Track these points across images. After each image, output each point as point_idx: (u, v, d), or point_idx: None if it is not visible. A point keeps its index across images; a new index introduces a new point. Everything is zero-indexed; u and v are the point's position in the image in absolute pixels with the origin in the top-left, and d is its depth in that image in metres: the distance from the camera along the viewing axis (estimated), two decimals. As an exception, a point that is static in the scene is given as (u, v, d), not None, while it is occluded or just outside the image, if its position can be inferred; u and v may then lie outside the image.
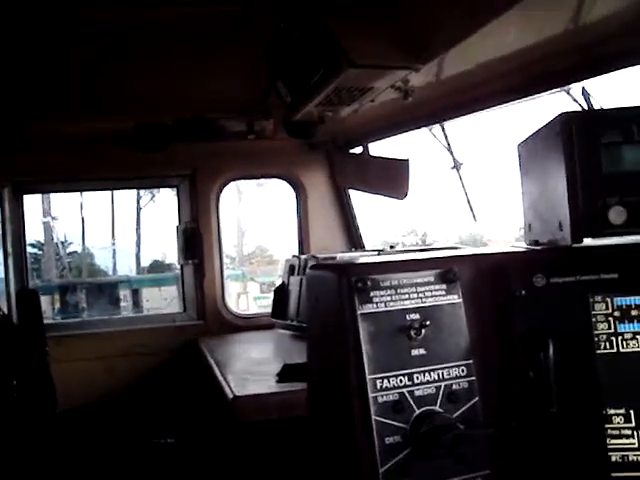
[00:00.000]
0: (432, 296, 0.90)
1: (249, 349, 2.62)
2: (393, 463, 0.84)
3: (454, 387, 0.89)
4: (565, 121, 0.94)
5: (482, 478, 0.88)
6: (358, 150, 2.88)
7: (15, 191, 2.87)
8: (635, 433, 0.90)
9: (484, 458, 0.88)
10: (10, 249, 2.85)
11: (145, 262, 6.54)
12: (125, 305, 6.23)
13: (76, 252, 6.20)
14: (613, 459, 0.89)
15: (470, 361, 0.90)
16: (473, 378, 0.90)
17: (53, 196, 3.00)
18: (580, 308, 0.91)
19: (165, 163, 2.91)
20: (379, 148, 2.81)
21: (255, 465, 2.59)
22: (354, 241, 3.09)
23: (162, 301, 5.98)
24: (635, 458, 0.89)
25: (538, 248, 1.02)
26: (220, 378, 2.01)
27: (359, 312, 0.87)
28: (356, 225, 3.10)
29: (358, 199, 3.12)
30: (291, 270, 2.78)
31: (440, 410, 0.88)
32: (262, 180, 3.43)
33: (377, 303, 0.88)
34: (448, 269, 0.91)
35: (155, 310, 6.40)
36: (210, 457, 2.75)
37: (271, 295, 2.89)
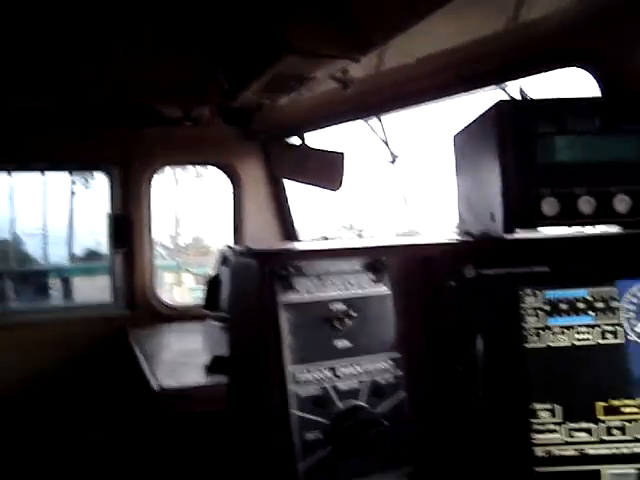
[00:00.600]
0: (359, 286, 0.87)
1: (179, 340, 2.56)
2: (313, 460, 0.81)
3: (380, 381, 0.86)
4: (500, 110, 0.92)
5: (406, 475, 0.86)
6: (295, 140, 2.84)
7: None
8: (560, 428, 0.89)
9: (409, 454, 0.86)
10: None
11: (78, 250, 6.34)
12: (55, 294, 6.05)
13: (3, 239, 5.97)
14: (538, 454, 0.88)
15: (397, 354, 0.88)
16: (400, 372, 0.87)
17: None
18: (510, 301, 0.90)
19: (97, 147, 2.81)
20: (317, 139, 2.78)
21: (181, 458, 2.54)
22: (289, 233, 3.05)
23: (94, 291, 5.83)
24: (559, 453, 0.89)
25: (469, 239, 1.00)
26: (147, 370, 1.95)
27: (280, 300, 0.83)
28: (291, 217, 3.06)
29: (296, 192, 3.08)
30: (224, 261, 2.72)
31: (364, 405, 0.85)
32: (201, 170, 3.35)
33: (300, 292, 0.84)
34: (376, 258, 0.88)
35: (87, 300, 6.24)
36: (135, 450, 2.68)
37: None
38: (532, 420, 0.88)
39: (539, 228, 0.95)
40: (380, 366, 0.86)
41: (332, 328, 0.84)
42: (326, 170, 2.56)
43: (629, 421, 0.90)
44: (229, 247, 2.79)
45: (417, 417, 0.86)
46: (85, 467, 2.26)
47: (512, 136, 0.91)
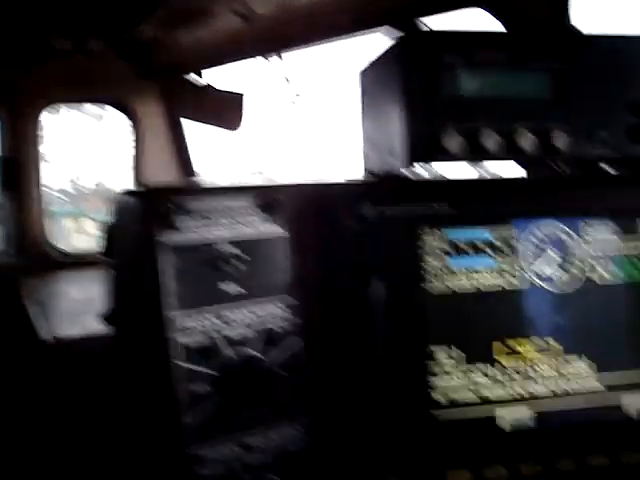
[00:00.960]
0: (250, 226, 0.81)
1: (74, 289, 2.45)
2: (201, 414, 0.76)
3: (273, 328, 0.81)
4: (405, 41, 0.87)
5: (302, 427, 0.82)
6: (194, 77, 2.72)
7: None
8: (456, 371, 0.87)
9: (305, 405, 0.82)
10: None
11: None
12: None
13: None
14: (434, 397, 0.86)
15: (292, 299, 0.82)
16: (295, 318, 0.82)
17: None
18: (409, 241, 0.86)
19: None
20: (216, 77, 2.69)
21: (73, 412, 2.45)
22: (188, 173, 2.94)
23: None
24: (456, 396, 0.87)
25: (370, 178, 0.95)
26: (39, 320, 1.84)
27: (160, 241, 0.75)
28: (190, 160, 2.95)
29: (201, 136, 2.97)
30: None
31: (257, 354, 0.80)
32: (101, 112, 3.15)
33: (183, 232, 0.77)
34: (271, 197, 0.82)
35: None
36: (25, 408, 2.57)
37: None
38: (430, 363, 0.86)
39: (442, 165, 0.91)
40: (274, 312, 0.81)
41: (220, 272, 0.78)
42: (225, 110, 2.50)
43: (524, 360, 0.90)
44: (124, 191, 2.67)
45: (313, 366, 0.82)
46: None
47: (415, 69, 0.86)
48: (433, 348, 0.86)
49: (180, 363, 0.75)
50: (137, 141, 2.89)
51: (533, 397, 0.90)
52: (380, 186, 0.91)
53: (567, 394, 0.91)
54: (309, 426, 0.82)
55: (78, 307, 2.05)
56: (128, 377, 0.89)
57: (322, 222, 0.84)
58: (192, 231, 0.77)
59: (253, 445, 0.79)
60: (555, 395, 0.90)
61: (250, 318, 0.79)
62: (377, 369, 0.84)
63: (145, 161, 2.88)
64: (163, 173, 2.87)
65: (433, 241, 0.87)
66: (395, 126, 0.88)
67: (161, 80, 2.84)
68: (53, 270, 2.69)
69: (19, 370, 2.45)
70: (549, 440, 0.88)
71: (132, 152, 2.90)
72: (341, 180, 0.95)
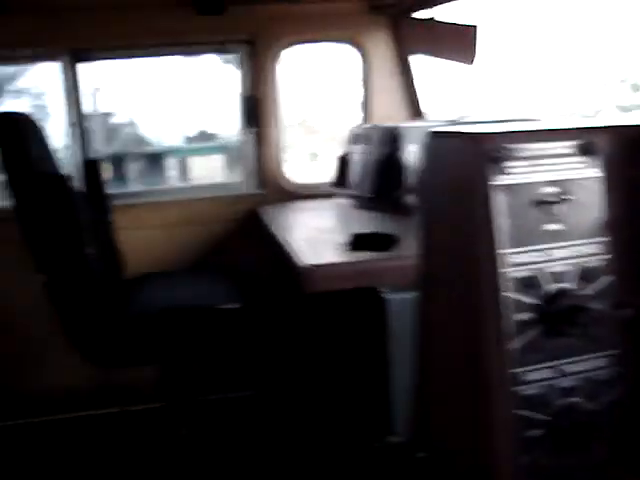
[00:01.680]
0: (571, 169, 0.86)
1: (311, 217, 2.62)
2: (524, 340, 0.84)
3: (589, 265, 0.87)
4: None
5: (612, 357, 0.88)
6: (424, 14, 2.73)
7: (71, 59, 2.81)
8: None
9: (615, 339, 0.87)
10: (73, 119, 2.83)
11: (191, 133, 6.47)
12: (173, 175, 6.25)
13: (121, 122, 6.17)
14: None
15: (607, 238, 0.87)
16: (609, 256, 0.87)
17: (97, 64, 2.91)
18: None
19: (223, 28, 2.81)
20: (447, 13, 2.67)
21: (322, 335, 2.66)
22: (416, 112, 2.99)
23: (208, 171, 5.98)
24: None
25: None
26: (286, 247, 1.97)
27: (492, 183, 0.83)
28: (417, 96, 2.99)
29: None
30: (354, 139, 2.72)
31: (574, 288, 0.86)
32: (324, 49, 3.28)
33: (511, 175, 0.84)
34: (589, 141, 0.86)
35: (201, 180, 6.41)
36: (276, 325, 2.83)
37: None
38: None
39: None
40: (590, 250, 0.87)
41: (544, 212, 0.84)
42: (458, 44, 2.47)
43: None
44: (361, 125, 2.78)
45: (626, 303, 0.87)
46: (227, 338, 2.40)
47: None
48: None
49: (508, 294, 0.83)
50: (365, 76, 2.99)
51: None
52: None
53: None
54: (617, 357, 0.88)
55: (319, 235, 2.18)
56: (434, 307, 0.99)
57: (633, 166, 0.87)
58: (520, 174, 0.84)
59: (567, 371, 0.87)
60: None
61: (569, 255, 0.86)
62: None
63: (373, 96, 2.98)
64: (390, 109, 2.96)
65: None
66: None
67: (391, 16, 2.90)
68: (289, 200, 2.92)
69: (270, 294, 2.71)
70: None
71: (360, 87, 3.02)
72: None
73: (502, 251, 0.83)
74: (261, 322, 2.66)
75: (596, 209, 0.88)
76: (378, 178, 2.45)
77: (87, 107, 2.92)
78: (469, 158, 0.85)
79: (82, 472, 2.40)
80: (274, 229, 2.34)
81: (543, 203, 0.84)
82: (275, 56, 2.90)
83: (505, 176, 0.83)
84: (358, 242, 1.87)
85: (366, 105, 3.01)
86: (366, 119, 2.99)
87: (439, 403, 0.98)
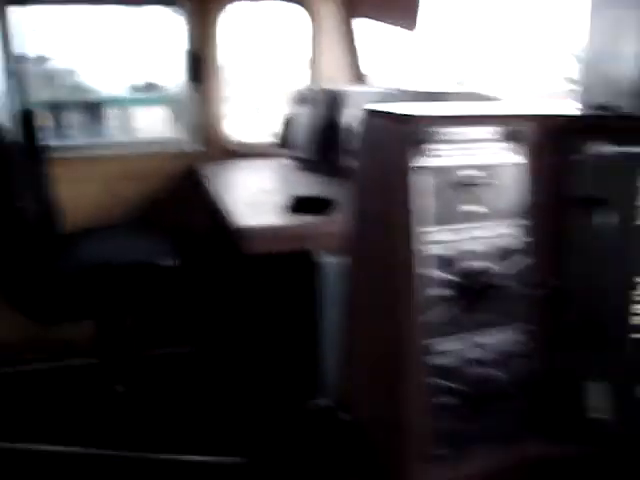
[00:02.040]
0: (495, 154, 0.89)
1: (252, 177, 2.61)
2: (440, 313, 0.88)
3: (507, 246, 0.91)
4: None
5: (526, 332, 0.93)
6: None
7: (2, 1, 2.69)
8: None
9: (529, 315, 0.92)
10: (7, 66, 2.73)
11: (133, 83, 6.30)
12: (115, 125, 6.11)
13: (61, 69, 5.95)
14: (634, 322, 0.94)
15: (527, 222, 0.91)
16: (529, 239, 0.92)
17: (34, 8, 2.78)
18: (630, 179, 0.91)
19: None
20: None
21: (258, 296, 2.67)
22: (358, 75, 3.00)
23: (150, 123, 5.86)
24: None
25: (602, 114, 0.98)
26: (224, 207, 1.97)
27: (414, 165, 0.86)
28: (358, 59, 2.99)
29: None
30: (301, 100, 2.70)
31: (492, 266, 0.90)
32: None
33: (435, 157, 0.87)
34: (515, 128, 0.89)
35: (143, 132, 6.28)
36: (213, 284, 2.83)
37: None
38: (632, 292, 0.93)
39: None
40: (508, 232, 0.91)
41: (465, 193, 0.88)
42: (402, 9, 2.48)
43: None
44: (307, 88, 2.77)
45: (540, 283, 0.92)
46: (164, 294, 2.39)
47: None
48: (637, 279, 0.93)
49: (423, 270, 0.87)
50: (313, 39, 2.97)
51: None
52: (612, 124, 0.94)
53: None
54: (531, 332, 0.94)
55: (259, 196, 2.17)
56: (358, 272, 1.02)
57: (557, 153, 0.91)
58: (444, 157, 0.87)
59: (481, 343, 0.92)
60: None
61: (488, 235, 0.90)
62: (580, 292, 0.93)
63: (321, 59, 2.96)
64: (333, 72, 2.95)
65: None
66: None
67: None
68: (231, 158, 2.90)
69: (207, 254, 2.70)
70: None
71: (308, 50, 2.99)
72: (578, 113, 0.98)
73: (422, 229, 0.86)
74: (197, 280, 2.66)
75: (517, 193, 0.91)
76: (320, 141, 2.47)
77: (24, 53, 2.81)
78: (394, 138, 0.87)
79: (15, 428, 2.39)
80: (213, 188, 2.32)
81: (465, 185, 0.88)
82: (219, 12, 2.85)
83: (428, 158, 0.86)
84: (298, 205, 1.88)
85: (313, 65, 3.00)
86: (312, 80, 2.98)
87: (361, 368, 1.02)
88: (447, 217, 0.88)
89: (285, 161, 2.73)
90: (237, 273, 2.73)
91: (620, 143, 0.90)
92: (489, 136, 0.90)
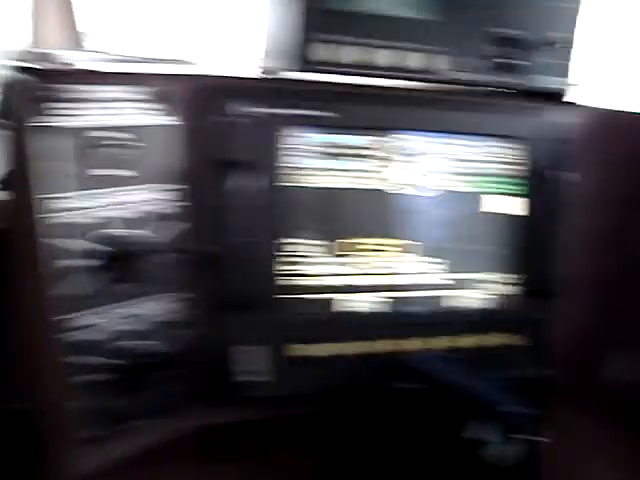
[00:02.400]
0: (141, 114, 0.86)
1: None
2: (73, 287, 0.83)
3: (158, 211, 0.89)
4: None
5: (180, 301, 0.91)
6: None
7: None
8: (305, 262, 0.97)
9: (182, 283, 0.92)
10: None
11: None
12: None
13: None
14: (279, 283, 0.96)
15: (179, 186, 0.91)
16: (180, 204, 0.90)
17: None
18: (268, 140, 0.92)
19: None
20: None
21: None
22: (75, 38, 2.79)
23: None
24: (297, 283, 0.98)
25: (255, 76, 0.98)
26: None
27: (30, 124, 0.78)
28: (74, 20, 2.79)
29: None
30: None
31: (138, 232, 0.87)
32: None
33: (68, 116, 0.80)
34: (164, 88, 0.86)
35: None
36: None
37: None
38: (277, 253, 0.96)
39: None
40: (158, 197, 0.88)
41: (105, 156, 0.82)
42: None
43: (362, 257, 1.01)
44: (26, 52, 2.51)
45: (194, 247, 0.91)
46: None
47: None
48: (283, 240, 0.96)
49: (53, 240, 0.80)
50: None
51: (386, 289, 1.02)
52: (257, 84, 0.95)
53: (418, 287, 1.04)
54: (184, 299, 0.92)
55: None
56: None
57: (201, 116, 0.89)
58: (77, 117, 0.80)
59: (134, 314, 0.89)
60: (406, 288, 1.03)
61: (136, 201, 0.86)
62: (230, 256, 0.93)
63: (38, 21, 2.70)
64: (56, 34, 2.72)
65: (294, 142, 0.94)
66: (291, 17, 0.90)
67: None
68: None
69: None
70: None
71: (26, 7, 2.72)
72: (218, 74, 0.97)
73: (49, 195, 0.80)
74: None
75: (169, 157, 0.89)
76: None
77: None
78: (15, 96, 0.79)
79: None
80: None
81: (105, 147, 0.82)
82: None
83: (56, 117, 0.79)
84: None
85: (33, 25, 2.73)
86: (32, 43, 2.72)
87: (22, 359, 0.93)
88: (86, 182, 0.82)
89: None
90: None
91: (261, 104, 0.91)
92: (135, 96, 0.85)
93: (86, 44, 2.77)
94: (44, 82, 0.78)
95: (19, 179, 0.79)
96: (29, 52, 2.30)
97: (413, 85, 0.99)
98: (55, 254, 0.80)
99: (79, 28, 2.77)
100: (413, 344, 1.03)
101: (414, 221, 1.02)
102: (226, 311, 0.93)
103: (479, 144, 1.04)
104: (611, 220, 1.12)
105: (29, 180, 0.78)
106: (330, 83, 0.95)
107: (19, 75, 0.79)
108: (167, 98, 0.87)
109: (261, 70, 1.00)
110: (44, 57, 0.85)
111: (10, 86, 0.80)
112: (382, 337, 1.02)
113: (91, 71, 0.85)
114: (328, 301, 1.00)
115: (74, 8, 2.75)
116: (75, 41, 2.77)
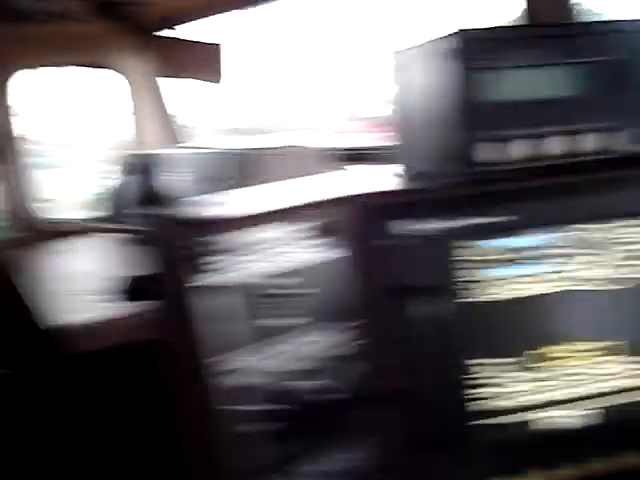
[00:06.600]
0: (302, 253, 0.78)
1: (76, 261, 2.35)
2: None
3: (336, 354, 0.80)
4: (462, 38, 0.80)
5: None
6: (170, 33, 2.61)
7: None
8: (494, 381, 0.86)
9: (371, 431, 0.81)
10: None
11: None
12: None
13: None
14: (470, 408, 0.85)
15: (354, 323, 0.81)
16: (358, 341, 0.82)
17: None
18: (442, 255, 0.84)
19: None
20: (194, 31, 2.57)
21: (96, 398, 2.41)
22: (172, 137, 2.84)
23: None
24: (491, 405, 0.86)
25: (415, 187, 0.90)
26: (39, 302, 1.72)
27: (191, 285, 0.72)
28: (170, 119, 2.84)
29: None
30: (129, 170, 2.49)
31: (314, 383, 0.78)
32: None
33: (217, 272, 0.73)
34: (326, 221, 0.78)
35: None
36: (43, 391, 2.53)
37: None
38: (465, 376, 0.85)
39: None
40: (335, 339, 0.80)
41: (261, 308, 0.75)
42: (203, 62, 2.43)
43: (559, 367, 0.89)
44: (133, 154, 2.56)
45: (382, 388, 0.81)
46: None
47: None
48: (469, 361, 0.86)
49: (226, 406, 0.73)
50: (125, 103, 2.75)
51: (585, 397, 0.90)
52: (416, 197, 0.87)
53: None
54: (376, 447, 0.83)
55: (77, 284, 1.94)
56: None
57: (362, 242, 0.81)
58: (225, 270, 0.74)
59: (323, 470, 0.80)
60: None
61: (309, 348, 0.79)
62: (415, 384, 0.83)
63: (140, 124, 2.75)
64: (150, 134, 2.75)
65: (466, 253, 0.85)
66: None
67: (140, 37, 2.69)
68: (48, 240, 2.61)
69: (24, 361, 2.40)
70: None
71: (122, 114, 2.78)
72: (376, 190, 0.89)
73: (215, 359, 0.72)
74: (23, 388, 2.36)
75: (337, 294, 0.80)
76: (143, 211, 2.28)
77: None
78: (165, 259, 0.72)
79: None
80: (28, 280, 2.06)
81: (260, 298, 0.74)
82: (5, 79, 2.56)
83: (209, 275, 0.72)
84: (133, 288, 1.67)
85: (133, 132, 2.78)
86: (132, 146, 2.77)
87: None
88: (245, 338, 0.74)
89: (113, 237, 2.50)
90: (66, 377, 2.45)
91: (427, 218, 0.82)
92: (292, 235, 0.77)
93: (184, 138, 2.82)
94: (197, 235, 0.72)
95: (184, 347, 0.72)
96: (135, 155, 2.35)
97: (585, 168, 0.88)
98: (232, 424, 0.73)
99: (175, 124, 2.84)
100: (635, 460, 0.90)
101: (613, 318, 0.90)
102: (421, 450, 0.83)
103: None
104: None
105: (194, 347, 0.71)
106: (498, 183, 0.86)
107: (165, 227, 0.73)
108: (327, 230, 0.79)
109: (417, 177, 0.92)
110: (152, 158, 0.79)
111: (154, 238, 0.74)
112: (598, 455, 0.89)
113: (243, 217, 0.78)
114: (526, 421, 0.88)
115: (168, 104, 2.82)
116: (173, 138, 2.82)
